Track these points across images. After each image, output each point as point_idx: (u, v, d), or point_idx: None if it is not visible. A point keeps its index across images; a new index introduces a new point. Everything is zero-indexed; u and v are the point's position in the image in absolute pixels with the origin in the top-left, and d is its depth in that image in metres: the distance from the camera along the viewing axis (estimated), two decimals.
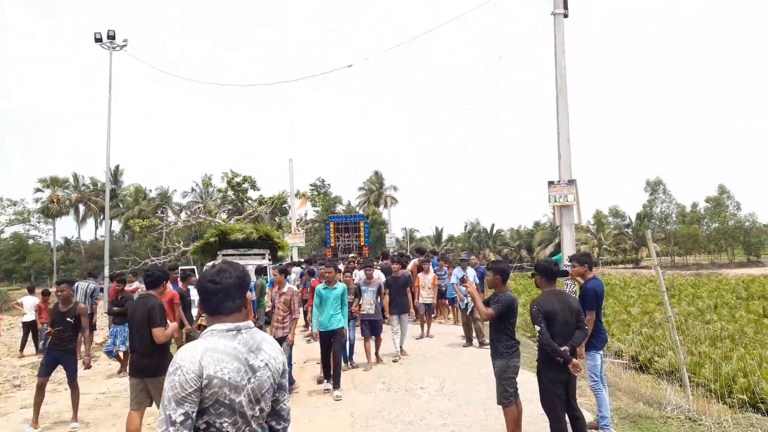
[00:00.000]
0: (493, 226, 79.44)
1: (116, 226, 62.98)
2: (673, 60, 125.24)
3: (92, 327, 12.52)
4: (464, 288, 6.27)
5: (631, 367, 12.33)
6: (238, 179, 37.97)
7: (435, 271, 12.79)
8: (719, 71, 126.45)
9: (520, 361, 5.19)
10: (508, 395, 5.03)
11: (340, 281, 8.48)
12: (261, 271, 11.80)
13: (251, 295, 9.94)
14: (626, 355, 14.06)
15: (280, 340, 7.54)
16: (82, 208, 61.38)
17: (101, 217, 61.78)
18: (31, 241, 58.39)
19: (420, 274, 12.02)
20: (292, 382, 7.98)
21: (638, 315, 20.65)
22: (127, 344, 9.85)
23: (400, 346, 9.92)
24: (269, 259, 15.78)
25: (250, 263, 13.95)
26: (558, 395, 4.71)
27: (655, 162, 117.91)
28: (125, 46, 23.01)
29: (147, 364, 5.34)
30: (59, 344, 6.95)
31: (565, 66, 10.21)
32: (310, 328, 11.58)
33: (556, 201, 10.12)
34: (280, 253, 18.15)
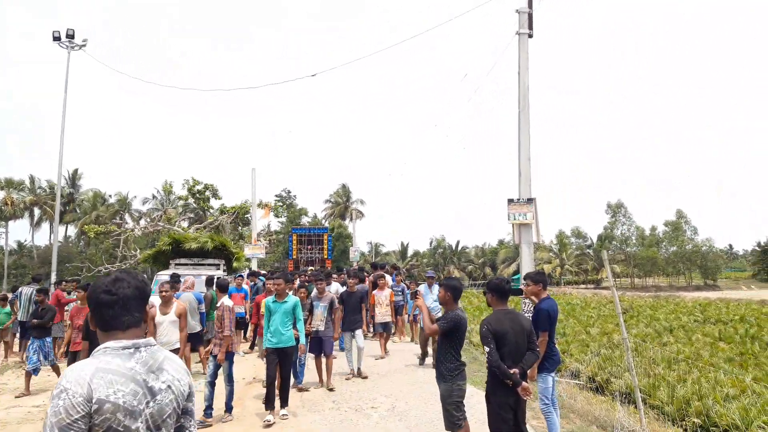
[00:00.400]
0: (458, 242, 79.93)
1: (72, 231, 61.03)
2: (644, 71, 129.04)
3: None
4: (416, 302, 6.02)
5: (589, 387, 12.26)
6: (199, 187, 37.15)
7: (392, 287, 12.50)
8: (686, 76, 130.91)
9: (465, 384, 4.96)
10: (455, 419, 4.79)
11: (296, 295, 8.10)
12: (210, 282, 11.32)
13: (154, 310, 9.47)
14: (584, 376, 14.03)
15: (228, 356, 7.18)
16: (37, 211, 59.30)
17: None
18: None
19: (375, 291, 11.52)
20: (227, 404, 7.29)
21: (597, 335, 20.73)
22: (52, 358, 9.37)
23: (358, 367, 9.46)
24: (224, 270, 15.28)
25: (204, 273, 13.45)
26: (506, 419, 4.48)
27: (616, 184, 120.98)
28: (84, 46, 22.28)
29: None
30: None
31: (528, 86, 10.21)
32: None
33: (515, 219, 10.01)
34: (235, 264, 17.61)
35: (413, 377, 9.41)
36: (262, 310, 7.65)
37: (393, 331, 12.96)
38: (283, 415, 7.07)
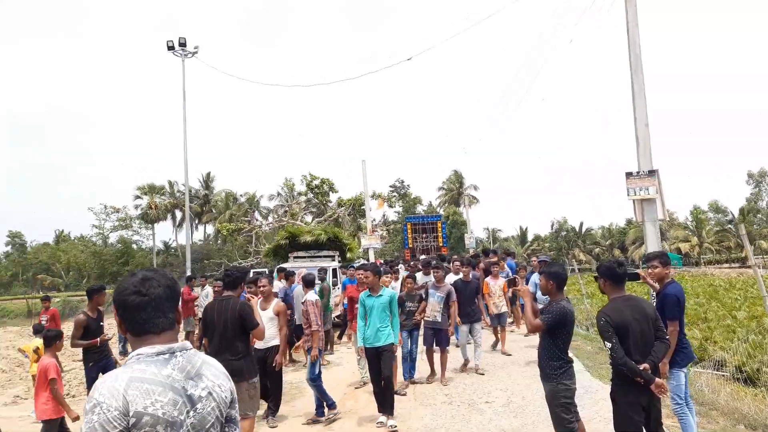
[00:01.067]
0: (581, 224, 75.75)
1: (210, 230, 66.18)
2: None
3: None
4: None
5: (736, 379, 10.93)
6: (316, 182, 38.54)
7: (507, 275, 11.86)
8: None
9: (574, 383, 4.45)
10: (565, 422, 4.33)
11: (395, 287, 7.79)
12: (321, 272, 11.51)
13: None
14: (730, 365, 12.56)
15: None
16: (178, 213, 64.96)
17: (195, 222, 65.09)
18: (135, 246, 62.72)
19: (488, 279, 10.68)
20: (331, 403, 7.05)
21: (745, 320, 18.56)
22: None
23: (476, 363, 8.98)
24: (338, 261, 15.62)
25: (320, 265, 13.83)
26: (635, 422, 3.93)
27: (757, 150, 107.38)
28: (196, 53, 23.81)
29: (236, 368, 5.09)
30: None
31: (640, 43, 9.13)
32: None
33: (635, 194, 9.04)
34: (349, 255, 17.94)
35: (532, 371, 8.89)
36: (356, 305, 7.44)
37: (510, 321, 12.42)
38: (391, 426, 6.37)
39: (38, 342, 8.01)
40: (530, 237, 76.99)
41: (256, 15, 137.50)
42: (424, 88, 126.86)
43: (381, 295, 6.67)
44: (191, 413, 1.77)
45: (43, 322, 9.51)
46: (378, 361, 6.53)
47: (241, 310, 5.28)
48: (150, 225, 61.91)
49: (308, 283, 7.64)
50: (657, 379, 3.92)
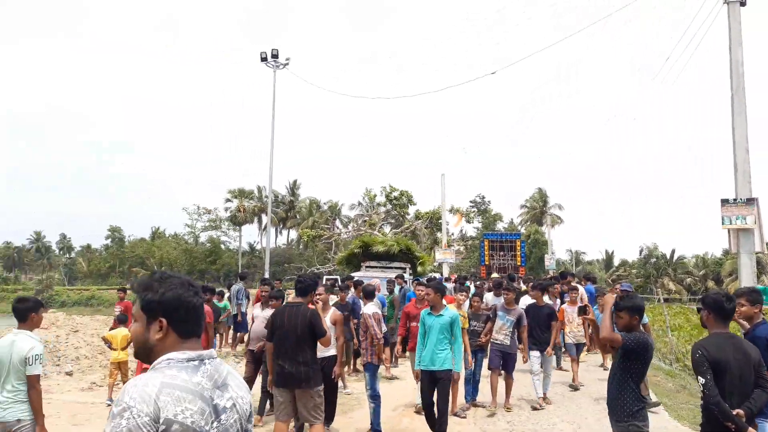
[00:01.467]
0: (673, 251, 71.21)
1: (294, 235, 68.30)
2: None
3: (237, 327, 13.19)
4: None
5: None
6: (395, 193, 38.83)
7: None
8: None
9: (648, 426, 4.04)
10: None
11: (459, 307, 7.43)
12: (391, 283, 11.46)
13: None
14: None
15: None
16: (264, 217, 67.61)
17: (280, 226, 67.44)
18: (222, 246, 65.86)
19: (565, 306, 10.03)
20: (377, 430, 6.68)
21: None
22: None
23: (544, 392, 8.40)
24: (410, 274, 15.53)
25: (391, 276, 13.79)
26: None
27: None
28: (287, 64, 24.75)
29: (304, 375, 5.15)
30: None
31: (742, 62, 8.40)
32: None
33: (731, 223, 8.26)
34: (420, 269, 17.80)
35: (604, 405, 8.34)
36: (414, 323, 7.15)
37: (586, 348, 11.74)
38: None
39: (124, 332, 8.43)
40: (616, 262, 73.29)
41: (256, 15, 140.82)
42: (510, 100, 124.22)
43: (442, 315, 6.23)
44: (215, 424, 1.71)
45: (117, 313, 10.00)
46: (433, 387, 6.13)
47: (312, 317, 5.29)
48: (238, 227, 64.79)
49: (368, 294, 7.54)
50: (750, 429, 3.53)
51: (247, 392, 1.91)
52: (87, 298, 50.37)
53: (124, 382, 8.38)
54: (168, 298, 1.79)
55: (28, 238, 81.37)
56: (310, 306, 5.79)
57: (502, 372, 8.04)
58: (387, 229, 42.67)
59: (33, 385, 4.03)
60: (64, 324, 17.72)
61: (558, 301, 10.76)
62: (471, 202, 59.15)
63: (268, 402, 7.17)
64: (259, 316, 7.51)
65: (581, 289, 12.24)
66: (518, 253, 27.58)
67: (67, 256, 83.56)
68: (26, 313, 4.20)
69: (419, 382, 6.39)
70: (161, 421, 1.59)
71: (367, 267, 15.57)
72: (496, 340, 7.97)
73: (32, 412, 4.05)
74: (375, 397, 6.65)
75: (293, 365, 5.18)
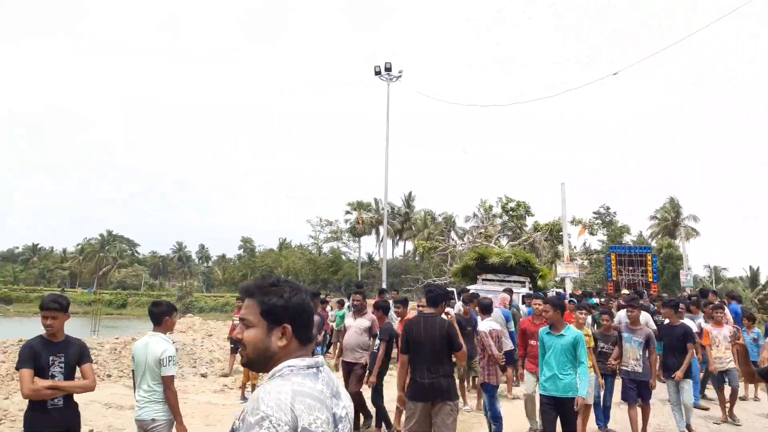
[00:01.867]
0: None
1: (410, 246, 69.07)
2: None
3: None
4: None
5: None
6: (512, 204, 37.78)
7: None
8: None
9: None
10: None
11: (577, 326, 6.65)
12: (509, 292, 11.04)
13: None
14: None
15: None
16: (382, 229, 69.04)
17: (396, 238, 68.47)
18: (343, 257, 68.19)
19: (709, 327, 8.86)
20: None
21: None
22: None
23: (687, 424, 7.45)
24: (529, 288, 14.92)
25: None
26: None
27: None
28: (400, 77, 25.13)
29: (445, 386, 5.07)
30: None
31: None
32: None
33: None
34: (540, 283, 17.03)
35: None
36: (532, 341, 6.73)
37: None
38: None
39: None
40: (762, 279, 65.38)
41: (256, 15, 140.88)
42: (630, 103, 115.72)
43: (563, 335, 5.66)
44: None
45: (236, 322, 10.57)
46: (555, 414, 5.60)
47: (449, 329, 5.19)
48: (357, 238, 66.75)
49: (484, 308, 7.14)
50: None
51: (350, 402, 1.85)
52: (222, 305, 54.50)
53: (254, 384, 8.85)
54: (294, 303, 1.74)
55: (172, 248, 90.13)
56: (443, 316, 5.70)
57: (639, 403, 7.24)
58: (504, 241, 41.62)
59: (168, 385, 4.24)
60: (199, 328, 19.16)
61: (701, 321, 9.81)
62: (594, 213, 56.04)
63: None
64: (351, 326, 7.22)
65: (726, 309, 11.06)
66: (649, 269, 25.45)
67: (205, 264, 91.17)
68: (160, 316, 4.45)
69: (539, 408, 5.81)
70: (299, 430, 1.54)
71: (483, 280, 15.22)
72: (625, 366, 7.26)
73: (168, 412, 4.25)
74: (496, 419, 6.34)
75: (432, 377, 5.05)
